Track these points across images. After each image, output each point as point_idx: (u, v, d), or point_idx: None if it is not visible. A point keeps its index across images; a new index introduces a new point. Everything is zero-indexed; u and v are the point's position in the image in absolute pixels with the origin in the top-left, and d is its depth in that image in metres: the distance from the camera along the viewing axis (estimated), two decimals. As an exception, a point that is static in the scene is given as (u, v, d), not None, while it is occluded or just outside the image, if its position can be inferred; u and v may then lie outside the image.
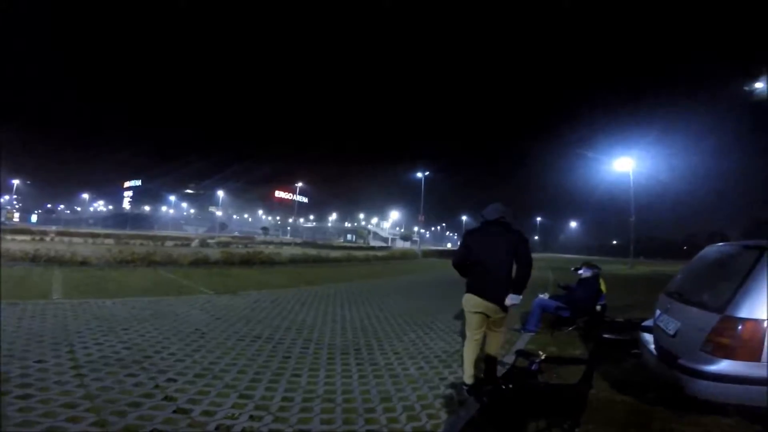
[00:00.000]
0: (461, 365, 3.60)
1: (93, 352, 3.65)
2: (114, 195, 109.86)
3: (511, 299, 3.07)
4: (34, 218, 76.24)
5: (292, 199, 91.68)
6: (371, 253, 26.53)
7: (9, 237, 19.24)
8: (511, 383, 1.82)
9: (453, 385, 3.40)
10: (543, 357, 1.86)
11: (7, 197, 79.44)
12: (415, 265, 21.91)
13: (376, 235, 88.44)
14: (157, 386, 2.98)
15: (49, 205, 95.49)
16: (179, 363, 3.54)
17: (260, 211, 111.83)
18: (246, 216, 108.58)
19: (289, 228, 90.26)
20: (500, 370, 3.84)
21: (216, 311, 5.92)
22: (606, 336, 4.53)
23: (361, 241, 74.99)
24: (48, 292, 6.60)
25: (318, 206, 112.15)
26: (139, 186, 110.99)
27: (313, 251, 20.42)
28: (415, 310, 7.06)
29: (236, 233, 65.69)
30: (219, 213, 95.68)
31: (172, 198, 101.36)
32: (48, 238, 20.62)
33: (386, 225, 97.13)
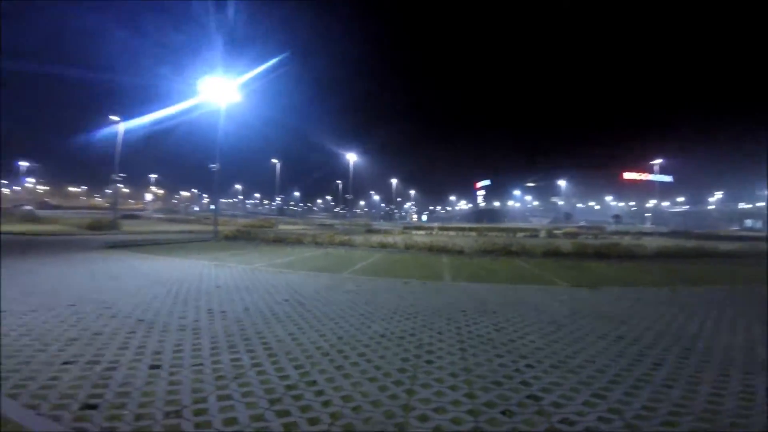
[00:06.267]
0: None
1: (472, 330, 4.49)
2: (469, 194, 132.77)
3: None
4: (424, 218, 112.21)
5: (648, 180, 76.12)
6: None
7: (414, 232, 27.79)
8: None
9: None
10: None
11: (409, 204, 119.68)
12: None
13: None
14: (517, 370, 3.28)
15: (431, 207, 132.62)
16: (538, 351, 3.75)
17: (608, 197, 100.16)
18: (592, 204, 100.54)
19: (648, 215, 75.30)
20: None
21: (572, 304, 5.86)
22: None
23: (774, 227, 51.47)
24: (441, 275, 8.82)
25: (690, 184, 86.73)
26: (489, 185, 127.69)
27: (689, 243, 16.06)
28: None
29: (582, 223, 62.15)
30: (561, 203, 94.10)
31: (517, 192, 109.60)
32: (433, 232, 27.75)
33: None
